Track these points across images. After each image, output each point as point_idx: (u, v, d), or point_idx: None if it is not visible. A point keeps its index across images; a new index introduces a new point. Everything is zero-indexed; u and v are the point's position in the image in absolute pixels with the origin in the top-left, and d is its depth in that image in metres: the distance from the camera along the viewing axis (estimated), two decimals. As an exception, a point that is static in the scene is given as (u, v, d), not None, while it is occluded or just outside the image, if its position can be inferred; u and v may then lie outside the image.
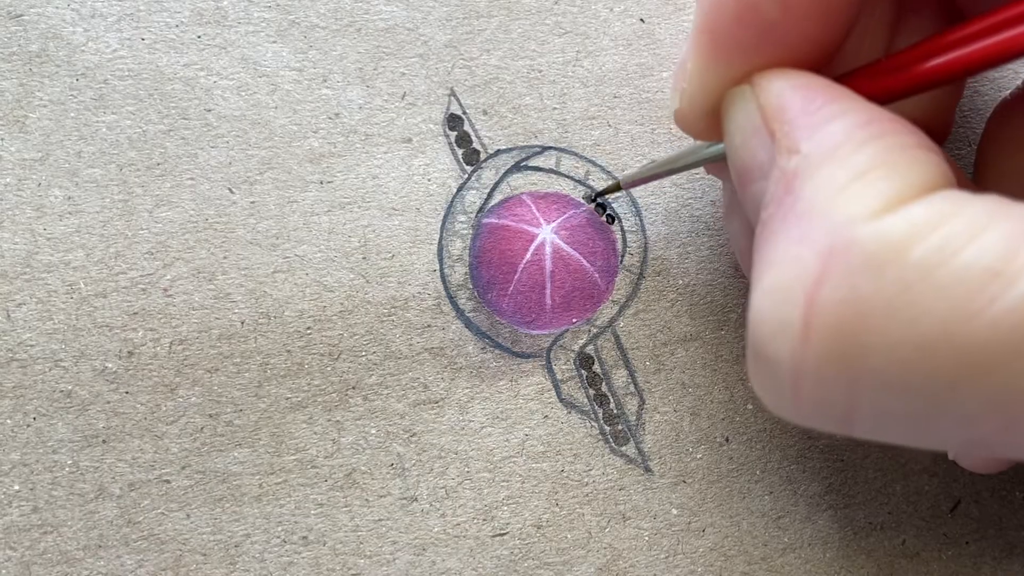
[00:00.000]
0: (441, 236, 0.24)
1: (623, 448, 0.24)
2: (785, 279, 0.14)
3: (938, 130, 0.20)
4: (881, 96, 0.16)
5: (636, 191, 0.25)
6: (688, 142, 0.23)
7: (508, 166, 0.25)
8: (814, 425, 0.15)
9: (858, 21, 0.18)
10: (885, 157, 0.14)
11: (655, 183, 0.25)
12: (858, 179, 0.14)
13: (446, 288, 0.24)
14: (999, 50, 0.15)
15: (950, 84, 0.16)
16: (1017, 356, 0.12)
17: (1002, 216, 0.13)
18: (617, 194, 0.25)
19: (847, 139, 0.14)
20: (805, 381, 0.14)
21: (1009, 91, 0.22)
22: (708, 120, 0.18)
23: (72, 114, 0.24)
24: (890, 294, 0.13)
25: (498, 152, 0.25)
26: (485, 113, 0.24)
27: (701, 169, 0.25)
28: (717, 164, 0.20)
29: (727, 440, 0.24)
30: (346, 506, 0.23)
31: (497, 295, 0.24)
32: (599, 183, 0.25)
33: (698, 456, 0.24)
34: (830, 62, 0.18)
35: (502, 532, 0.24)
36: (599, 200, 0.24)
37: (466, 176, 0.24)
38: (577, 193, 0.25)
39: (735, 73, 0.17)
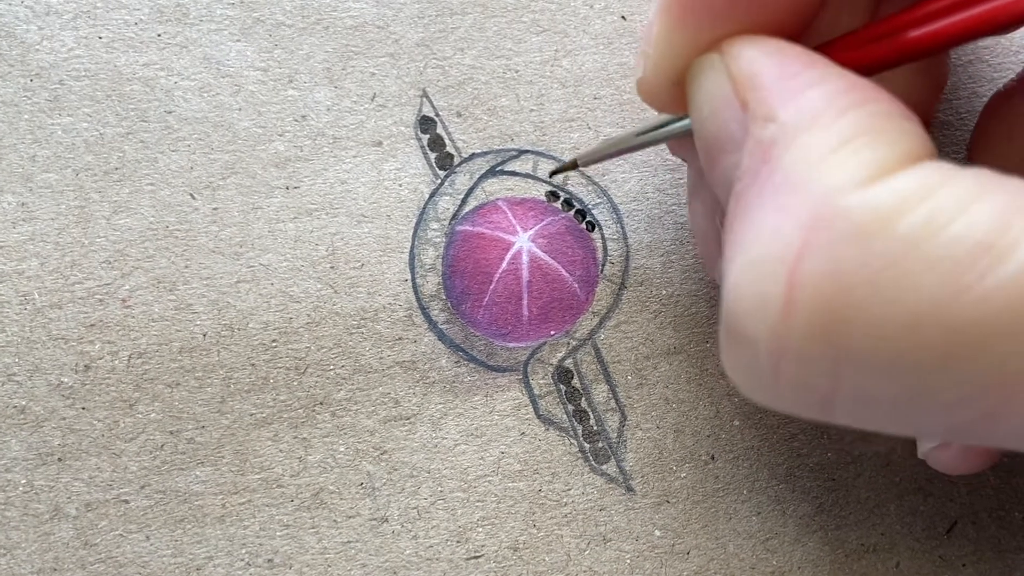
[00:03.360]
0: (413, 244, 0.24)
1: (604, 466, 0.24)
2: (765, 253, 0.13)
3: (934, 87, 0.20)
4: (859, 67, 0.16)
5: (618, 198, 0.24)
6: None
7: (483, 171, 0.24)
8: (791, 409, 0.15)
9: None
10: (869, 124, 0.14)
11: (646, 189, 0.24)
12: (841, 147, 0.13)
13: (418, 299, 0.24)
14: (982, 20, 0.14)
15: (933, 55, 0.15)
16: (1007, 335, 0.12)
17: (992, 188, 0.13)
18: (598, 200, 0.24)
19: (828, 106, 0.14)
20: (786, 360, 0.13)
21: (1003, 83, 0.21)
22: (674, 90, 0.17)
23: (26, 116, 0.23)
24: (876, 268, 0.12)
25: (473, 156, 0.24)
26: (459, 115, 0.24)
27: (685, 174, 0.24)
28: (682, 142, 0.20)
29: (713, 458, 0.24)
30: (313, 527, 0.23)
31: (472, 306, 0.24)
32: (579, 189, 0.24)
33: (682, 475, 0.24)
34: (805, 32, 0.17)
35: (477, 555, 0.23)
36: (563, 194, 0.24)
37: (439, 181, 0.24)
38: (555, 199, 0.24)
39: (703, 39, 0.16)
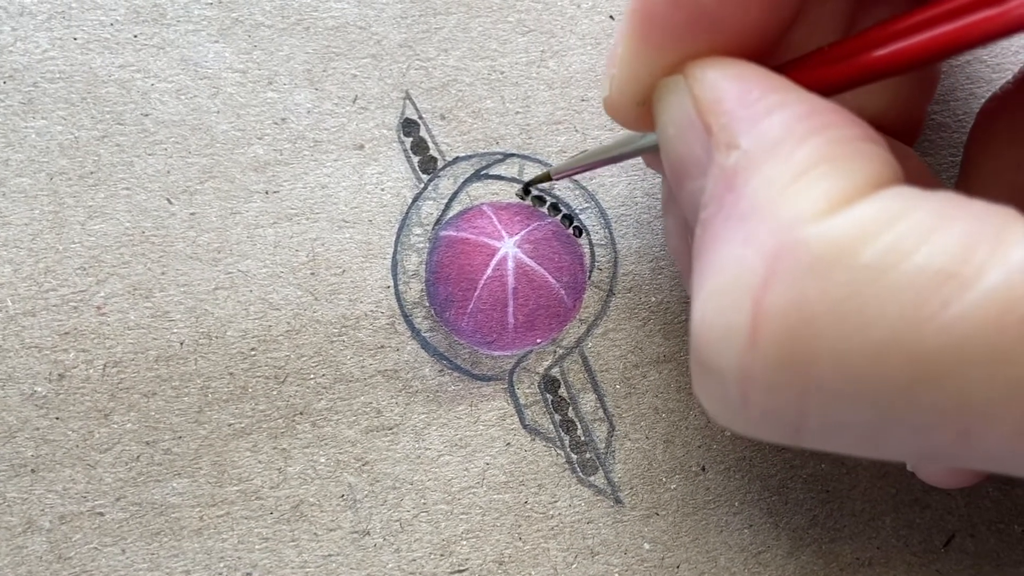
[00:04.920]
0: (395, 250, 0.23)
1: (591, 478, 0.23)
2: (730, 283, 0.14)
3: (907, 131, 0.20)
4: (824, 87, 0.16)
5: (606, 202, 0.24)
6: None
7: (467, 175, 0.24)
8: (762, 436, 0.15)
9: (809, 9, 0.18)
10: (828, 152, 0.14)
11: (634, 193, 0.24)
12: (802, 176, 0.14)
13: (401, 306, 0.23)
14: (951, 39, 0.14)
15: (901, 75, 0.15)
16: (971, 363, 0.12)
17: (955, 214, 0.13)
18: (585, 205, 0.24)
19: (788, 133, 0.14)
20: (753, 390, 0.14)
21: (1001, 84, 0.20)
22: (640, 110, 0.17)
23: (-1, 119, 0.23)
24: (839, 298, 0.13)
25: (457, 159, 0.24)
26: (443, 118, 0.24)
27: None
28: (656, 156, 0.20)
29: (703, 469, 0.24)
30: (293, 540, 0.23)
31: (456, 313, 0.23)
32: (566, 193, 0.24)
33: (672, 487, 0.23)
34: (774, 50, 0.17)
35: (461, 569, 0.23)
36: (549, 199, 0.24)
37: (422, 185, 0.24)
38: (541, 203, 0.24)
39: (668, 60, 0.16)
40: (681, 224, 0.20)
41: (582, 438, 0.23)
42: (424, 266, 0.23)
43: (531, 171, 0.24)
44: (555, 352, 0.24)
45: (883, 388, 0.13)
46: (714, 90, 0.15)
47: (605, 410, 0.23)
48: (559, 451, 0.23)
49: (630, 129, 0.19)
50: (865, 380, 0.13)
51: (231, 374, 0.23)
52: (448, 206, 0.24)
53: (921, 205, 0.13)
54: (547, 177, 0.23)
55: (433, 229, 0.23)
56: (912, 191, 0.13)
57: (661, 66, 0.16)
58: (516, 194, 0.24)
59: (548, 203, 0.24)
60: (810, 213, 0.13)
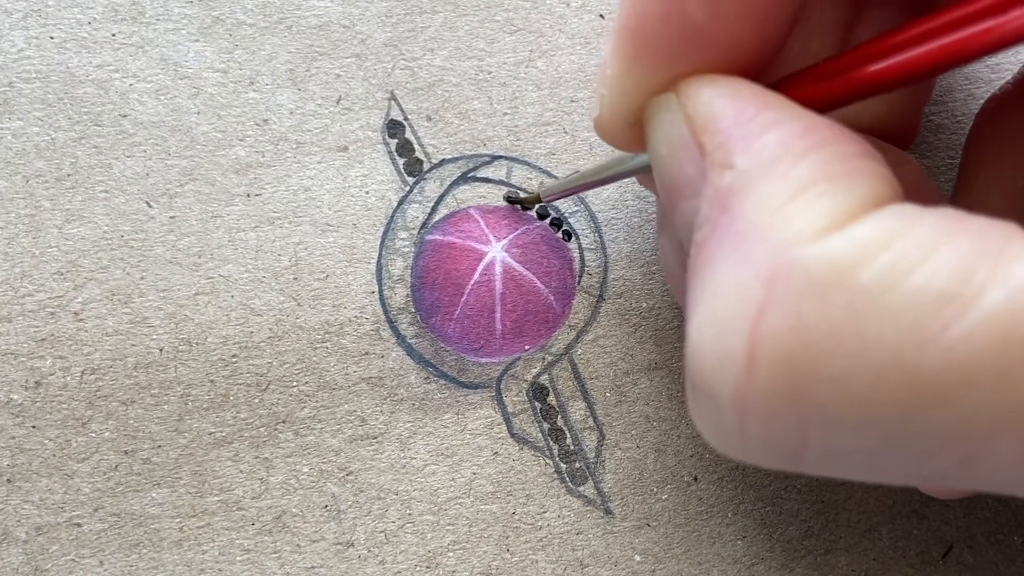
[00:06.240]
0: (380, 254, 0.23)
1: (581, 488, 0.23)
2: (726, 307, 0.13)
3: (903, 134, 0.20)
4: (820, 103, 0.15)
5: (596, 206, 0.24)
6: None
7: (454, 177, 0.24)
8: (761, 463, 0.15)
9: (805, 19, 0.18)
10: (825, 170, 0.14)
11: (625, 196, 0.24)
12: (799, 196, 0.13)
13: (386, 312, 0.23)
14: (949, 52, 0.14)
15: (897, 89, 0.15)
16: (974, 386, 0.12)
17: (956, 232, 0.12)
18: (574, 209, 0.24)
19: (784, 151, 0.14)
20: (751, 417, 0.13)
21: (1000, 85, 0.20)
22: (631, 130, 0.17)
23: (-27, 120, 0.23)
24: (838, 322, 0.12)
25: (443, 162, 0.24)
26: (429, 119, 0.23)
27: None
28: (649, 175, 0.20)
29: (695, 479, 0.23)
30: (275, 552, 0.22)
31: (442, 319, 0.23)
32: None
33: (663, 497, 0.23)
34: (768, 66, 0.17)
35: None
36: (522, 204, 0.23)
37: (408, 188, 0.23)
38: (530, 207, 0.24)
39: (659, 79, 0.16)
40: (676, 244, 0.20)
41: (571, 447, 0.23)
42: (410, 271, 0.23)
43: (519, 173, 0.23)
44: (544, 359, 0.23)
45: (885, 413, 0.12)
46: (708, 108, 0.15)
47: (595, 418, 0.23)
48: (548, 460, 0.23)
49: (622, 150, 0.18)
50: (866, 405, 0.12)
51: (212, 381, 0.22)
52: (434, 209, 0.23)
53: (921, 223, 0.13)
54: (537, 199, 0.22)
55: (419, 233, 0.23)
56: (911, 209, 0.13)
57: (652, 84, 0.16)
58: (504, 197, 0.23)
59: (536, 206, 0.23)
60: (807, 233, 0.13)
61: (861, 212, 0.13)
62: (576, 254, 0.24)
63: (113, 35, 0.23)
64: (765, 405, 0.13)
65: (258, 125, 0.23)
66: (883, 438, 0.13)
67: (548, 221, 0.23)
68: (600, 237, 0.24)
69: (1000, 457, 0.12)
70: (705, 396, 0.14)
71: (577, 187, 0.21)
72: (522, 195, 0.23)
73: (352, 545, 0.22)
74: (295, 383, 0.23)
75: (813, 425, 0.13)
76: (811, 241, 0.13)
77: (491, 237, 0.23)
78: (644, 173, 0.19)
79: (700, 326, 0.14)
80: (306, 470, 0.22)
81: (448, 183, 0.23)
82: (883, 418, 0.12)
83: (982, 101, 0.22)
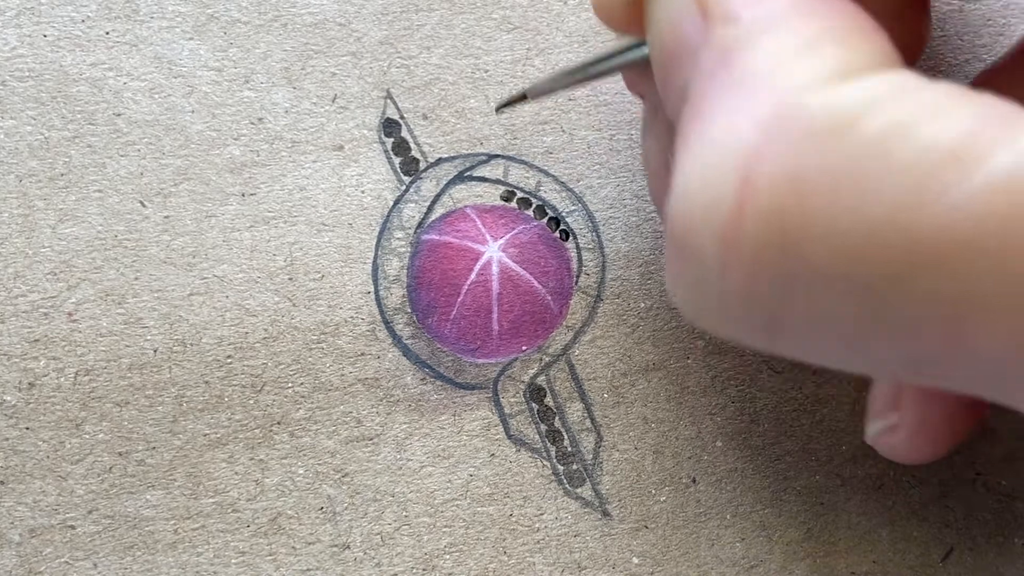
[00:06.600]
0: (376, 254, 0.23)
1: (578, 490, 0.23)
2: (717, 153, 0.13)
3: (910, 40, 0.19)
4: None
5: (593, 205, 0.24)
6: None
7: (450, 176, 0.23)
8: (737, 332, 0.14)
9: None
10: (835, 27, 0.13)
11: (623, 195, 0.24)
12: (807, 48, 0.13)
13: (382, 312, 0.23)
14: None
15: None
16: (973, 252, 0.11)
17: (965, 98, 0.12)
18: (572, 208, 0.23)
19: (793, 8, 0.13)
20: (734, 270, 0.13)
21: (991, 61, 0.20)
22: (630, 8, 0.17)
23: (-34, 119, 0.23)
24: (839, 171, 0.12)
25: (439, 161, 0.23)
26: (425, 117, 0.23)
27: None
28: (639, 76, 0.19)
29: (694, 481, 0.23)
30: (271, 554, 0.22)
31: (438, 320, 0.23)
32: (552, 195, 0.24)
33: (662, 499, 0.23)
34: None
35: None
36: (535, 201, 0.23)
37: (404, 188, 0.23)
38: (527, 206, 0.24)
39: None
40: (663, 142, 0.19)
41: (569, 449, 0.23)
42: (406, 271, 0.23)
43: (516, 172, 0.23)
44: (541, 360, 0.23)
45: (876, 273, 0.12)
46: None
47: (593, 420, 0.23)
48: (545, 462, 0.23)
49: (620, 30, 0.18)
50: (857, 263, 0.12)
51: (206, 383, 0.22)
52: (430, 209, 0.23)
53: (930, 86, 0.12)
54: (523, 97, 0.21)
55: (415, 233, 0.23)
56: (920, 76, 0.13)
57: None
58: (496, 110, 0.23)
59: (534, 206, 0.23)
60: (814, 81, 0.12)
61: (871, 69, 0.13)
62: (574, 254, 0.24)
63: (107, 33, 0.23)
64: (751, 256, 0.13)
65: (253, 124, 0.23)
66: (871, 303, 0.12)
67: (546, 220, 0.23)
68: (598, 237, 0.24)
69: (991, 337, 0.11)
70: (686, 250, 0.13)
71: (567, 83, 0.20)
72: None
73: (348, 547, 0.22)
74: (290, 384, 0.23)
75: (799, 283, 0.12)
76: (818, 88, 0.12)
77: (488, 237, 0.23)
78: (635, 70, 0.18)
79: (687, 174, 0.13)
80: (302, 472, 0.22)
81: (444, 182, 0.23)
82: (874, 278, 0.12)
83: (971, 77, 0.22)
